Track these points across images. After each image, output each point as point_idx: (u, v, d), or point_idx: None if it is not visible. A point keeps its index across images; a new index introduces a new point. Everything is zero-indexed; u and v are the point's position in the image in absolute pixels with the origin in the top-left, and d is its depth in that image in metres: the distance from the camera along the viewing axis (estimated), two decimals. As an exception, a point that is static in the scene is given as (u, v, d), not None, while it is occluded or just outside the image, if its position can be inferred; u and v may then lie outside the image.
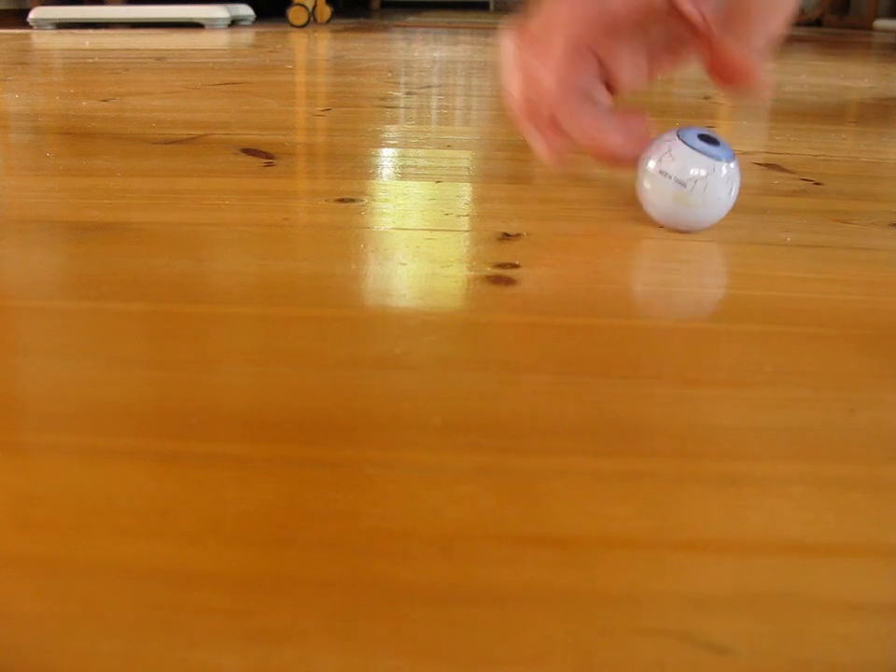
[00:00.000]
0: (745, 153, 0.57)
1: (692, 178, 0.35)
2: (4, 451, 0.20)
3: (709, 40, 0.37)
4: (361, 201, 0.42)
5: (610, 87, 0.40)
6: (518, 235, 0.37)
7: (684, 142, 0.36)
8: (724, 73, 0.36)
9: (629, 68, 0.39)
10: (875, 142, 0.63)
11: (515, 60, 0.38)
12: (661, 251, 0.35)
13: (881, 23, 2.87)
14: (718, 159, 0.35)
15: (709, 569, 0.16)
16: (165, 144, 0.55)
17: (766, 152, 0.57)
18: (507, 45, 0.38)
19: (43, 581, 0.15)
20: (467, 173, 0.49)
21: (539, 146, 0.39)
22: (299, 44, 1.62)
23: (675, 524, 0.17)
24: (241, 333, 0.26)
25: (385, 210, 0.40)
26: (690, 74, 1.18)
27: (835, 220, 0.40)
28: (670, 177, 0.35)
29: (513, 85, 0.38)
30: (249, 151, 0.53)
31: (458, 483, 0.19)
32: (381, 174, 0.48)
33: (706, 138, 0.36)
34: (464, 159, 0.53)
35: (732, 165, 0.36)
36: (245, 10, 2.30)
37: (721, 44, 0.36)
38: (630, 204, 0.42)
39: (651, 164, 0.36)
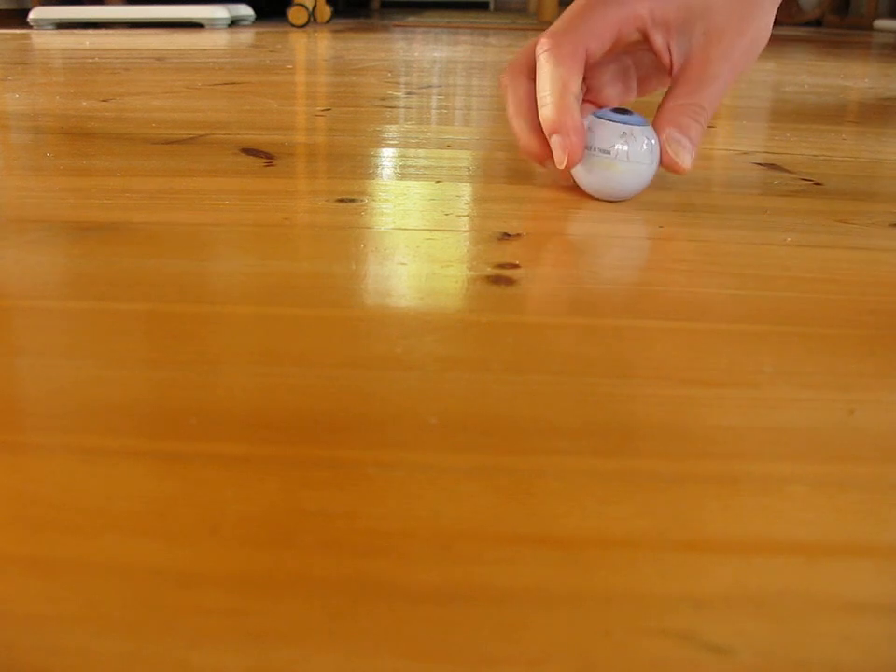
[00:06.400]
0: (745, 153, 0.57)
1: (612, 145, 0.39)
2: (4, 451, 0.20)
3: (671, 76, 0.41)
4: (361, 201, 0.42)
5: (595, 103, 0.45)
6: (518, 235, 0.37)
7: (599, 118, 0.40)
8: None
9: (612, 89, 0.45)
10: (875, 142, 0.63)
11: (515, 101, 0.42)
12: (661, 251, 0.35)
13: (881, 23, 2.87)
14: (632, 124, 0.39)
15: (709, 569, 0.16)
16: (165, 144, 0.55)
17: (766, 152, 0.57)
18: (505, 82, 0.43)
19: (42, 581, 0.15)
20: (467, 173, 0.49)
21: (527, 147, 0.43)
22: (299, 44, 1.63)
23: (675, 524, 0.17)
24: (241, 333, 0.26)
25: (385, 210, 0.40)
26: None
27: (835, 220, 0.40)
28: (594, 149, 0.40)
29: (516, 121, 0.42)
30: (249, 151, 0.53)
31: (458, 483, 0.19)
32: (381, 174, 0.48)
33: (619, 111, 0.40)
34: (464, 159, 0.53)
35: (646, 128, 0.40)
36: (245, 10, 2.30)
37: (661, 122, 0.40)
38: (630, 204, 0.42)
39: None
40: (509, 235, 0.37)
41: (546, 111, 0.39)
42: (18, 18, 2.12)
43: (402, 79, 1.01)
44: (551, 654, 0.14)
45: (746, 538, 0.17)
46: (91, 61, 1.17)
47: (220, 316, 0.27)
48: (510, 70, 0.43)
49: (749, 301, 0.30)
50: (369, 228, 0.37)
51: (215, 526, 0.17)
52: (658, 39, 0.40)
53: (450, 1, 4.04)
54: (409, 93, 0.86)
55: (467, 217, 0.39)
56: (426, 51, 1.51)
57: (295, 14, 2.16)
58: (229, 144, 0.55)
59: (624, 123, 0.39)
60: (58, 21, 2.00)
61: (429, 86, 0.94)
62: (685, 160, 0.39)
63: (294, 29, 2.12)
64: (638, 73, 0.45)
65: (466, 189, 0.45)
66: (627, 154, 0.39)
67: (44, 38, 1.65)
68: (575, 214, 0.41)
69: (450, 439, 0.20)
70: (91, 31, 1.93)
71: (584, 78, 0.41)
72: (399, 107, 0.76)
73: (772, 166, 0.53)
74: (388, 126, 0.65)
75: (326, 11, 2.45)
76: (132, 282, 0.30)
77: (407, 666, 0.14)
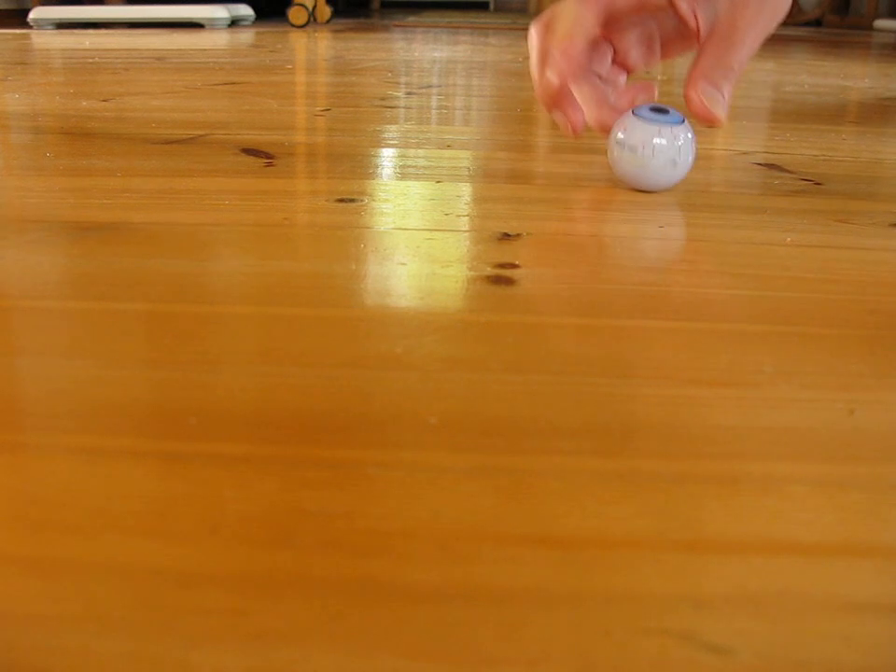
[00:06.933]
0: (745, 153, 0.57)
1: (640, 143, 0.41)
2: (4, 451, 0.20)
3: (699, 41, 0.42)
4: (361, 201, 0.42)
5: (625, 67, 0.47)
6: (518, 235, 0.37)
7: (635, 115, 0.42)
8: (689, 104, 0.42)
9: (637, 51, 0.47)
10: (875, 142, 0.63)
11: (536, 46, 0.44)
12: (661, 251, 0.35)
13: (881, 23, 2.87)
14: (664, 123, 0.41)
15: (709, 569, 0.16)
16: (165, 144, 0.55)
17: (766, 152, 0.57)
18: (531, 34, 0.45)
19: (42, 581, 0.15)
20: (467, 173, 0.49)
21: (559, 119, 0.46)
22: (299, 44, 1.62)
23: (675, 524, 0.17)
24: (241, 333, 0.26)
25: (385, 210, 0.40)
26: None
27: (835, 220, 0.40)
28: (624, 146, 0.42)
29: (535, 68, 0.45)
30: (249, 151, 0.53)
31: (458, 483, 0.19)
32: (381, 174, 0.48)
33: (657, 109, 0.42)
34: (464, 159, 0.53)
35: (679, 128, 0.41)
36: (245, 10, 2.30)
37: (691, 81, 0.42)
38: (630, 204, 0.42)
39: (612, 138, 0.43)
40: (509, 235, 0.37)
41: (554, 56, 0.43)
42: (18, 18, 2.12)
43: (402, 79, 1.01)
44: (551, 654, 0.14)
45: (746, 538, 0.17)
46: (91, 61, 1.17)
47: (220, 316, 0.27)
48: (537, 21, 0.45)
49: (749, 300, 0.30)
50: (369, 228, 0.37)
51: (215, 526, 0.17)
52: (683, 6, 0.42)
53: (450, 1, 4.04)
54: (409, 93, 0.86)
55: (467, 217, 0.39)
56: (426, 51, 1.51)
57: (295, 14, 2.16)
58: (229, 144, 0.55)
59: (657, 122, 0.41)
60: (58, 21, 2.00)
61: (429, 86, 0.94)
62: (719, 111, 0.41)
63: (294, 29, 2.12)
64: (662, 38, 0.47)
65: (466, 189, 0.45)
66: (653, 150, 0.41)
67: (44, 38, 1.65)
68: (575, 214, 0.41)
69: (450, 439, 0.20)
70: (91, 31, 1.93)
71: (611, 41, 0.45)
72: (399, 107, 0.76)
73: (772, 166, 0.53)
74: (388, 126, 0.65)
75: (326, 11, 2.45)
76: (132, 282, 0.30)
77: (407, 666, 0.14)
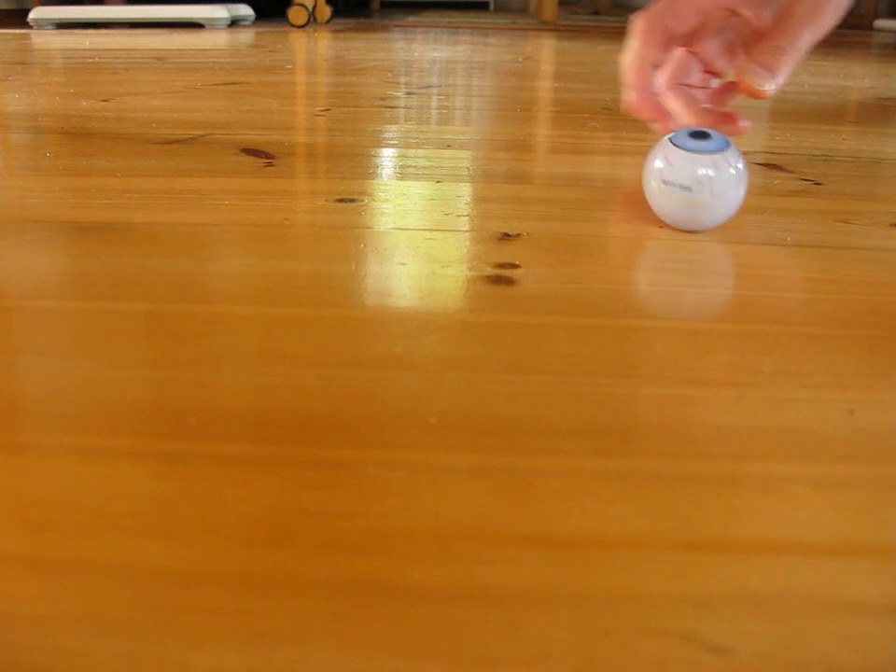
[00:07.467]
0: (745, 153, 0.57)
1: (695, 181, 0.35)
2: (4, 451, 0.20)
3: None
4: (361, 201, 0.42)
5: (713, 73, 0.50)
6: (518, 235, 0.37)
7: (677, 146, 0.36)
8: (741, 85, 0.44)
9: (720, 58, 0.50)
10: (875, 142, 0.63)
11: (635, 54, 0.48)
12: (661, 251, 0.35)
13: (881, 23, 2.87)
14: (713, 152, 0.35)
15: (709, 569, 0.16)
16: (165, 144, 0.55)
17: (766, 152, 0.57)
18: (631, 37, 0.48)
19: (43, 581, 0.15)
20: (467, 173, 0.49)
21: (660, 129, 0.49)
22: (299, 44, 1.62)
23: (675, 524, 0.17)
24: (241, 333, 0.26)
25: (385, 210, 0.40)
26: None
27: (835, 220, 0.40)
28: (675, 185, 0.35)
29: (630, 76, 0.48)
30: (249, 151, 0.53)
31: (458, 483, 0.19)
32: (381, 174, 0.48)
33: (696, 135, 0.36)
34: (464, 159, 0.53)
35: (728, 153, 0.35)
36: (245, 10, 2.30)
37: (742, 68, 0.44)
38: (630, 204, 0.42)
39: (654, 179, 0.36)
40: (509, 235, 0.37)
41: (626, 80, 0.48)
42: (18, 18, 2.12)
43: (402, 79, 1.01)
44: (551, 654, 0.14)
45: (746, 538, 0.17)
46: (91, 61, 1.17)
47: (220, 316, 0.27)
48: (645, 21, 0.47)
49: (749, 300, 0.30)
50: (369, 228, 0.37)
51: (215, 526, 0.17)
52: (746, 11, 0.45)
53: (450, 1, 4.04)
54: (409, 93, 0.86)
55: (467, 217, 0.39)
56: (425, 51, 1.51)
57: (295, 14, 2.16)
58: (229, 144, 0.55)
59: (706, 152, 0.35)
60: (58, 21, 2.00)
61: (429, 86, 0.94)
62: (762, 84, 0.43)
63: (294, 29, 2.12)
64: (742, 41, 0.50)
65: (466, 189, 0.45)
66: (711, 187, 0.35)
67: (44, 38, 1.65)
68: (575, 214, 0.41)
69: (450, 439, 0.20)
70: (91, 31, 1.93)
71: (695, 54, 0.49)
72: (399, 107, 0.76)
73: (772, 166, 0.53)
74: (388, 126, 0.65)
75: (326, 11, 2.45)
76: (132, 282, 0.30)
77: (407, 666, 0.14)
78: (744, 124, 0.48)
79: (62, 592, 0.15)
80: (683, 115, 0.48)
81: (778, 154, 0.57)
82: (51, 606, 0.15)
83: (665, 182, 0.36)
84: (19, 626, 0.14)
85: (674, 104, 0.48)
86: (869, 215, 0.42)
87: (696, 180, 0.35)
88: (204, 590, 0.15)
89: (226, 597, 0.15)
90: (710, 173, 0.34)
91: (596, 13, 3.18)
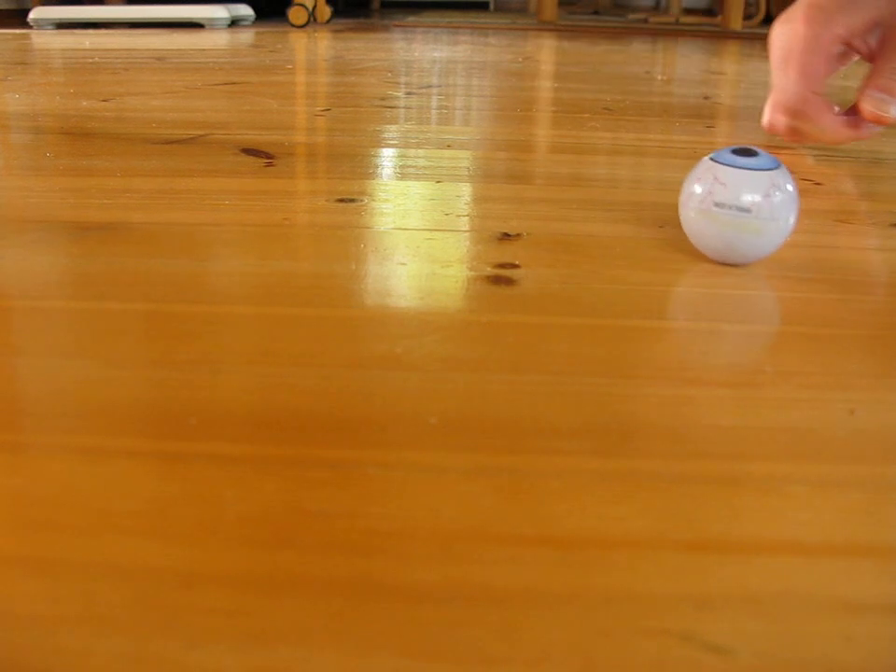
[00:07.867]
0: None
1: (753, 201, 0.30)
2: (4, 451, 0.20)
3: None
4: (361, 201, 0.42)
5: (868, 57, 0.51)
6: (518, 235, 0.37)
7: (726, 164, 0.31)
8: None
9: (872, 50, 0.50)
10: (874, 142, 0.63)
11: (781, 66, 0.50)
12: (661, 251, 0.35)
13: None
14: (769, 169, 0.31)
15: (709, 569, 0.16)
16: (165, 144, 0.55)
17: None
18: (777, 42, 0.50)
19: (43, 581, 0.15)
20: (467, 173, 0.49)
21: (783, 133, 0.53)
22: (299, 44, 1.62)
23: (675, 524, 0.17)
24: (241, 333, 0.26)
25: (385, 210, 0.40)
26: (688, 74, 1.18)
27: (835, 220, 0.40)
28: (729, 207, 0.31)
29: (778, 94, 0.51)
30: (249, 151, 0.53)
31: (458, 483, 0.19)
32: (381, 174, 0.48)
33: (742, 152, 0.32)
34: (464, 159, 0.53)
35: (782, 170, 0.32)
36: (245, 10, 2.30)
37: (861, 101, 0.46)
38: (630, 204, 0.42)
39: (700, 200, 0.32)
40: (509, 235, 0.37)
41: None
42: (18, 18, 2.12)
43: (402, 79, 1.01)
44: (551, 654, 0.14)
45: (746, 538, 0.17)
46: (91, 61, 1.17)
47: (220, 316, 0.27)
48: (807, 29, 0.47)
49: (749, 300, 0.30)
50: (369, 228, 0.37)
51: (215, 526, 0.17)
52: (858, 43, 0.47)
53: (450, 1, 4.04)
54: (409, 93, 0.86)
55: (467, 217, 0.39)
56: (425, 51, 1.51)
57: (295, 14, 2.16)
58: (229, 144, 0.55)
59: (761, 170, 0.31)
60: (58, 21, 2.00)
61: (429, 86, 0.94)
62: (887, 109, 0.44)
63: (294, 29, 2.12)
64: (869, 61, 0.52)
65: (466, 189, 0.45)
66: (770, 207, 0.30)
67: (44, 38, 1.65)
68: (575, 214, 0.41)
69: (450, 439, 0.20)
70: (91, 31, 1.93)
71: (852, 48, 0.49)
72: (399, 107, 0.76)
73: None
74: (388, 126, 0.65)
75: (326, 11, 2.45)
76: (132, 282, 0.30)
77: (407, 666, 0.14)
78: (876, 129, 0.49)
79: (61, 592, 0.15)
80: (827, 135, 0.48)
81: (778, 154, 0.57)
82: (51, 606, 0.15)
83: (716, 205, 0.31)
84: (18, 626, 0.14)
85: (814, 129, 0.49)
86: (869, 215, 0.42)
87: (754, 201, 0.30)
88: (204, 590, 0.15)
89: (226, 597, 0.15)
90: (770, 192, 0.31)
91: (596, 13, 3.18)
